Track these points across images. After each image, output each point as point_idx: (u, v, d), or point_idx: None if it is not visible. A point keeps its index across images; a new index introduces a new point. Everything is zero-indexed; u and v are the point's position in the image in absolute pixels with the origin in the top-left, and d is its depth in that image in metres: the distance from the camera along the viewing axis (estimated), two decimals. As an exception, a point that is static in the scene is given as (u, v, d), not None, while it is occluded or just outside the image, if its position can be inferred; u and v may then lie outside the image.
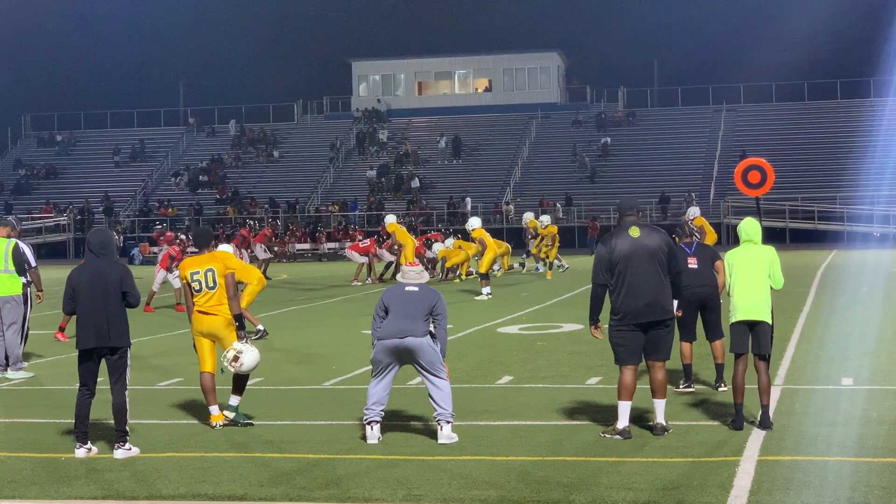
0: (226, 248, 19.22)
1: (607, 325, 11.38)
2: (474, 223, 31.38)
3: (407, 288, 11.49)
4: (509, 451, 10.68)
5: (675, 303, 11.50)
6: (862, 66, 76.67)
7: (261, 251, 39.10)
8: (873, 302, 24.42)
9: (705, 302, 13.58)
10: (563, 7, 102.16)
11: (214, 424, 12.12)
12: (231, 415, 12.20)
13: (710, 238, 26.73)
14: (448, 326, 11.62)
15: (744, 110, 77.32)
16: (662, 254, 11.27)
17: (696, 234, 14.12)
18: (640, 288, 11.11)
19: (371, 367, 11.45)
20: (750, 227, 11.69)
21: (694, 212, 28.51)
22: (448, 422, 11.16)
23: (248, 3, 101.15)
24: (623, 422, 11.06)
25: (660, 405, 11.26)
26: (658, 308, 11.17)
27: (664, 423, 11.17)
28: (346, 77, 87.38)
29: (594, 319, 11.44)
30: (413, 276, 11.67)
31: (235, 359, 12.00)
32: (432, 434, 11.30)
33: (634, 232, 11.29)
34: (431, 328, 11.39)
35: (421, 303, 11.34)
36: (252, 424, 12.21)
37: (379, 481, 9.69)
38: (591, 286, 11.49)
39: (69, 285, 11.25)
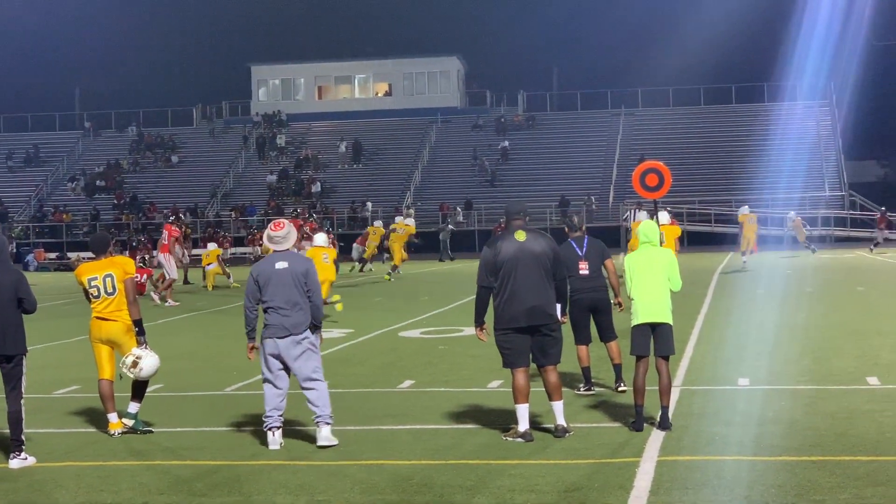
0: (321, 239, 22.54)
1: (492, 328, 11.46)
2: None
3: (277, 265, 11.33)
4: (412, 455, 10.67)
5: (559, 308, 11.58)
6: (756, 72, 77.97)
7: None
8: (769, 303, 24.80)
9: (596, 305, 13.74)
10: (463, 12, 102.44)
11: (113, 432, 11.97)
12: (130, 422, 12.05)
13: (670, 238, 25.84)
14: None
15: (641, 115, 78.19)
16: (547, 259, 11.32)
17: (583, 230, 14.09)
18: (523, 292, 11.15)
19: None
20: (649, 230, 11.80)
21: (664, 217, 27.25)
22: (327, 423, 11.12)
23: (145, 7, 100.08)
24: (523, 424, 11.10)
25: (558, 407, 11.32)
26: (540, 313, 11.21)
27: (564, 425, 11.24)
28: (246, 81, 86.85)
29: (479, 322, 11.46)
30: (279, 240, 11.52)
31: (134, 364, 11.86)
32: (336, 438, 11.24)
33: (520, 236, 11.34)
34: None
35: (295, 279, 11.22)
36: (151, 431, 12.08)
37: (281, 487, 9.63)
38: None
39: (-37, 293, 11.03)
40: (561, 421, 11.25)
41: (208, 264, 37.37)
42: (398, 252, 39.34)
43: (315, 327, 11.42)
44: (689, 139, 72.82)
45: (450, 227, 57.80)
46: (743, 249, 37.74)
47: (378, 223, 44.40)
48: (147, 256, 42.07)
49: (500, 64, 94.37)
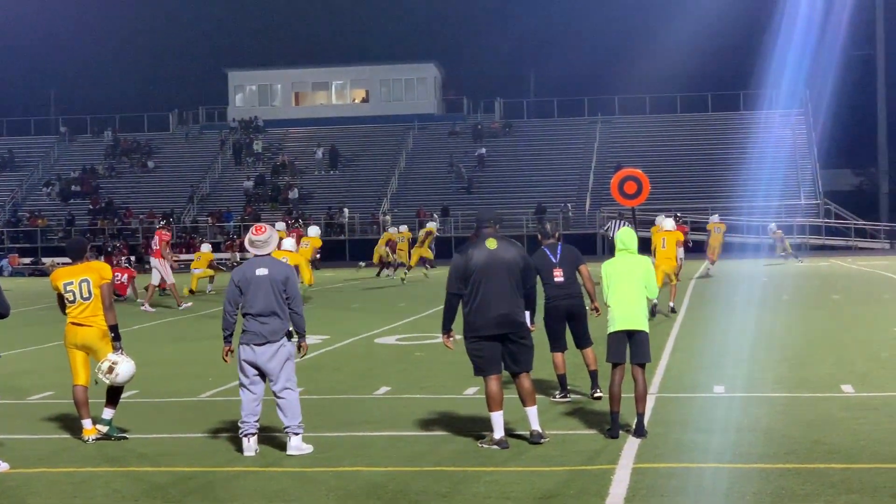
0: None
1: (460, 336, 11.45)
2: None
3: (258, 271, 11.31)
4: (387, 461, 10.66)
5: (528, 315, 11.59)
6: (733, 80, 78.26)
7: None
8: (744, 311, 24.87)
9: (572, 312, 13.74)
10: (441, 19, 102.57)
11: (87, 438, 11.91)
12: (104, 428, 11.99)
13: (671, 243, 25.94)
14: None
15: (618, 122, 78.33)
16: (517, 267, 11.33)
17: (559, 236, 14.16)
18: (493, 300, 11.16)
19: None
20: (626, 237, 11.82)
21: (669, 223, 27.20)
22: (296, 433, 11.10)
23: (122, 12, 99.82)
24: (498, 432, 11.10)
25: (532, 412, 11.31)
26: (509, 321, 11.22)
27: (539, 430, 11.24)
28: (222, 87, 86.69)
29: (446, 329, 11.46)
30: (260, 244, 11.49)
31: (110, 370, 11.81)
32: (311, 445, 11.22)
33: (491, 244, 11.35)
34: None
35: (275, 286, 11.19)
36: (126, 438, 12.03)
37: (256, 494, 9.60)
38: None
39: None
40: (536, 426, 11.25)
41: (196, 268, 37.20)
42: (415, 255, 39.99)
43: (299, 335, 11.41)
44: (665, 147, 72.96)
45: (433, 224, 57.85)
46: (709, 257, 38.10)
47: (403, 228, 44.35)
48: (129, 258, 41.84)
49: (477, 71, 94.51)
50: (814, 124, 73.60)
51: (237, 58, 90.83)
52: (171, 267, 31.30)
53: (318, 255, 33.12)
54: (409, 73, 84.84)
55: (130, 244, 62.15)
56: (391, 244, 41.18)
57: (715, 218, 39.21)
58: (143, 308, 29.81)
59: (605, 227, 40.23)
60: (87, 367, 12.11)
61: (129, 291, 33.54)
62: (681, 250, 27.45)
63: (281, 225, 39.71)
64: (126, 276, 33.61)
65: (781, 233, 47.79)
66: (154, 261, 31.04)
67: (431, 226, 43.64)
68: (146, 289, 31.22)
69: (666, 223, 26.21)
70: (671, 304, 24.68)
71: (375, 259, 42.32)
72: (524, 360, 11.37)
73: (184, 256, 60.94)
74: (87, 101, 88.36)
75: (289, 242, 27.86)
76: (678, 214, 38.52)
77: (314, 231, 33.75)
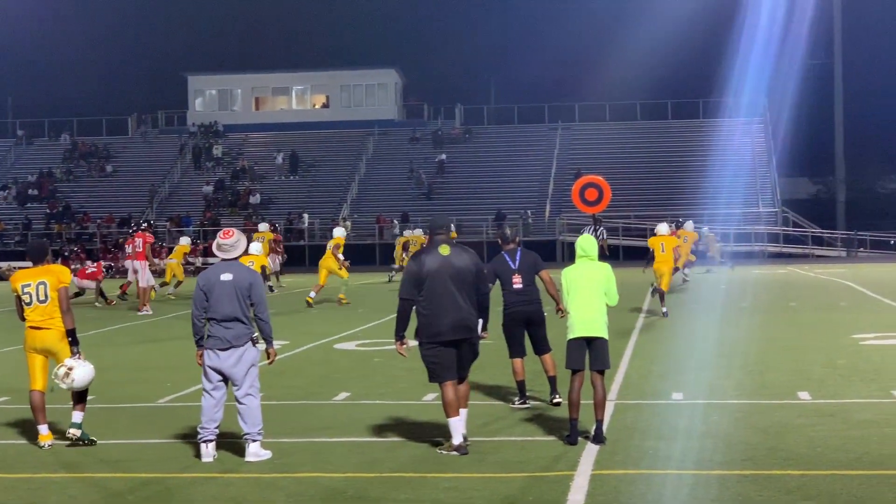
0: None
1: (413, 342, 11.47)
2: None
3: (222, 276, 11.28)
4: (346, 467, 10.64)
5: (480, 322, 11.62)
6: (692, 88, 78.67)
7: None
8: (703, 318, 25.00)
9: (530, 318, 13.77)
10: (401, 25, 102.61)
11: (43, 444, 11.82)
12: (77, 432, 11.87)
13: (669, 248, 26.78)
14: (284, 342, 11.53)
15: (578, 129, 78.60)
16: (470, 274, 11.40)
17: (518, 241, 14.22)
18: (447, 306, 11.21)
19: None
20: (587, 244, 11.83)
21: (664, 228, 28.00)
22: (255, 440, 11.07)
23: (81, 15, 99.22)
24: (457, 437, 11.10)
25: (463, 414, 11.31)
26: (465, 326, 11.28)
27: (465, 434, 11.25)
28: (182, 91, 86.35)
29: (399, 335, 11.47)
30: (227, 248, 11.46)
31: (67, 374, 11.73)
32: (269, 451, 11.18)
33: (444, 250, 11.40)
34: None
35: (239, 292, 11.17)
36: (95, 442, 11.92)
37: (214, 500, 9.56)
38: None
39: None
40: (463, 430, 11.25)
41: (173, 258, 37.16)
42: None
43: (266, 341, 11.38)
44: (625, 154, 73.23)
45: (400, 233, 57.93)
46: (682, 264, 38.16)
47: (418, 231, 44.51)
48: (83, 264, 41.54)
49: (437, 77, 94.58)
50: (773, 133, 74.08)
51: (197, 62, 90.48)
52: (153, 270, 31.15)
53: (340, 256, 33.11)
54: (369, 79, 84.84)
55: (87, 248, 61.69)
56: (406, 246, 41.88)
57: (688, 225, 39.38)
58: (142, 311, 29.83)
59: (588, 231, 40.45)
60: (46, 373, 12.02)
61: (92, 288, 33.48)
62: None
63: (265, 226, 39.66)
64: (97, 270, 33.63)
65: (714, 236, 48.15)
66: (137, 263, 30.79)
67: (416, 234, 43.96)
68: (137, 296, 31.06)
69: (661, 228, 27.30)
70: (664, 309, 25.47)
71: (398, 264, 43.24)
72: (466, 366, 11.49)
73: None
74: (45, 105, 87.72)
75: (255, 246, 27.94)
76: (680, 220, 38.91)
77: (339, 231, 33.96)
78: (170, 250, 60.00)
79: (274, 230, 45.47)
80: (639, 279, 39.61)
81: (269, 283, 34.68)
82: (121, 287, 34.90)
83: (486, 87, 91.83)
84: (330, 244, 32.53)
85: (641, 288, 29.77)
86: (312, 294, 31.13)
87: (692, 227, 38.59)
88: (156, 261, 33.67)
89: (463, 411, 11.29)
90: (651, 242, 27.36)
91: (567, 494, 9.39)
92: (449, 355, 11.25)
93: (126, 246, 32.81)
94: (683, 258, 37.79)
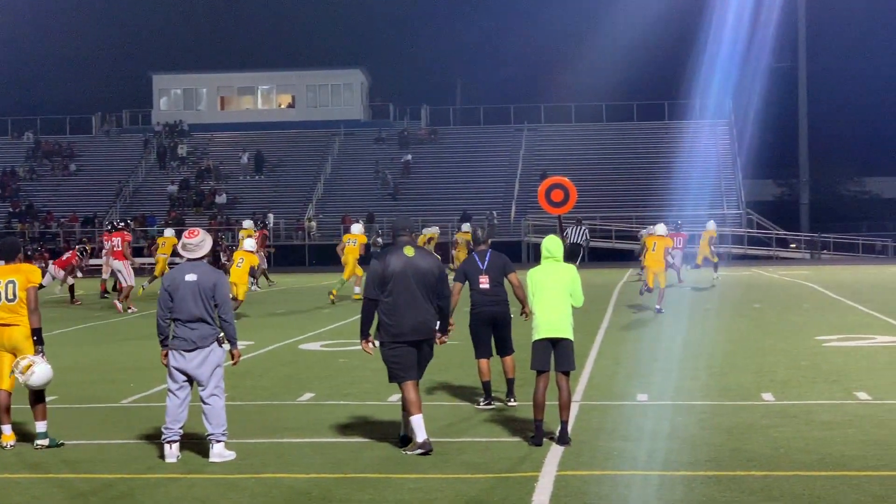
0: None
1: (377, 341, 11.50)
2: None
3: (187, 277, 11.23)
4: (311, 468, 10.62)
5: (438, 324, 11.66)
6: (658, 90, 78.97)
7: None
8: (668, 320, 25.07)
9: (496, 319, 13.81)
10: (367, 25, 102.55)
11: (5, 444, 11.74)
12: (45, 442, 11.75)
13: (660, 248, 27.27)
14: (249, 342, 11.50)
15: (544, 130, 78.71)
16: (433, 276, 11.49)
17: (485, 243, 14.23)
18: (409, 307, 11.30)
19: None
20: (552, 245, 11.83)
21: (661, 229, 28.35)
22: (219, 441, 11.04)
23: (44, 13, 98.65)
24: (421, 435, 11.09)
25: (418, 420, 11.32)
26: (424, 328, 11.39)
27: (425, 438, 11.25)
28: (147, 90, 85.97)
29: (364, 334, 11.56)
30: (192, 248, 11.41)
31: (28, 368, 11.62)
32: (234, 451, 11.14)
33: (409, 251, 11.49)
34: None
35: (203, 292, 11.13)
36: (63, 445, 11.83)
37: (178, 500, 9.52)
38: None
39: None
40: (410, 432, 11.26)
41: (162, 253, 37.07)
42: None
43: (230, 342, 11.34)
44: (591, 155, 73.43)
45: (379, 240, 57.81)
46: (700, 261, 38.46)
47: (434, 229, 44.52)
48: (47, 263, 41.26)
49: (403, 77, 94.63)
50: (738, 135, 74.42)
51: (162, 61, 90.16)
52: (128, 270, 31.02)
53: (361, 252, 33.07)
54: (335, 79, 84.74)
55: (50, 248, 61.31)
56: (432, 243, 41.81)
57: (711, 225, 39.53)
58: (128, 311, 29.81)
59: (565, 233, 40.55)
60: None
61: (56, 278, 33.44)
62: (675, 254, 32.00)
63: (249, 223, 39.50)
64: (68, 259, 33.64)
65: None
66: (116, 263, 30.59)
67: (434, 231, 43.92)
68: (119, 291, 30.94)
69: (658, 229, 27.92)
70: (658, 306, 26.26)
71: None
72: (423, 367, 11.59)
73: (96, 261, 60.33)
74: (8, 103, 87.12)
75: (249, 243, 28.04)
76: (679, 222, 39.20)
77: (357, 228, 34.08)
78: (174, 231, 60.10)
79: (263, 226, 45.41)
80: (603, 280, 39.78)
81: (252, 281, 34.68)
82: (101, 286, 35.07)
83: (451, 87, 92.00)
84: (348, 240, 32.68)
85: (606, 289, 29.86)
86: (357, 290, 31.35)
87: (713, 225, 38.84)
88: (136, 259, 33.57)
89: (418, 417, 11.28)
90: (647, 241, 28.32)
91: (532, 495, 9.40)
92: (410, 355, 11.31)
93: (105, 242, 32.63)
94: (706, 257, 37.96)
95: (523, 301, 13.55)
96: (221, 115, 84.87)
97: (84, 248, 38.36)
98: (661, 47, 78.31)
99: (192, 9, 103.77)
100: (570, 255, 40.05)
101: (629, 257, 49.02)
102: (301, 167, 76.62)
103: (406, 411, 11.28)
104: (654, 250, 26.87)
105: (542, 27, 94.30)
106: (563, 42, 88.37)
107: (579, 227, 40.87)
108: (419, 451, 11.01)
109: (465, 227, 42.01)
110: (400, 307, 11.28)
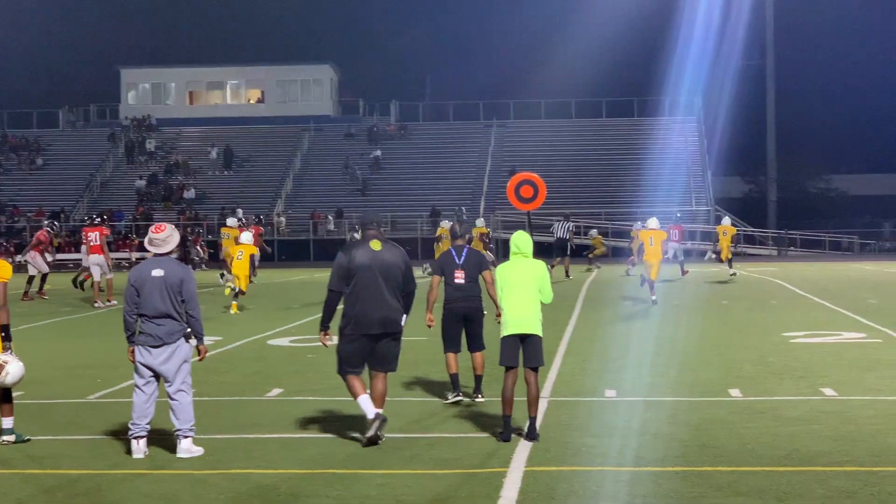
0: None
1: (335, 336, 11.53)
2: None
3: (153, 272, 11.16)
4: (279, 464, 10.59)
5: (404, 318, 11.69)
6: (627, 87, 79.19)
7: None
8: (636, 316, 25.15)
9: (469, 314, 13.84)
10: (337, 20, 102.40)
11: (-27, 442, 11.67)
12: (11, 438, 11.68)
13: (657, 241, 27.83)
14: (217, 338, 11.46)
15: (513, 126, 78.82)
16: (398, 270, 11.57)
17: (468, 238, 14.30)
18: (373, 300, 11.38)
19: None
20: (521, 241, 11.83)
21: (654, 223, 28.57)
22: (186, 437, 11.01)
23: (11, 6, 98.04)
24: (370, 411, 11.17)
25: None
26: (389, 322, 11.46)
27: (381, 434, 11.28)
28: (115, 84, 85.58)
29: (324, 326, 11.66)
30: (159, 243, 11.34)
31: (1, 368, 11.55)
32: (202, 447, 11.11)
33: (376, 245, 11.58)
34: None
35: (170, 288, 11.07)
36: (29, 440, 11.76)
37: (145, 497, 9.48)
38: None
39: None
40: (378, 431, 11.27)
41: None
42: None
43: (197, 338, 11.29)
44: (560, 152, 73.54)
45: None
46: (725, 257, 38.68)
47: (445, 223, 44.27)
48: (12, 259, 41.07)
49: (373, 73, 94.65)
50: (706, 132, 74.68)
51: (130, 55, 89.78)
52: (108, 264, 30.90)
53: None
54: (304, 75, 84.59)
55: (16, 242, 61.02)
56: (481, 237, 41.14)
57: (726, 221, 39.83)
58: (109, 304, 29.87)
59: (551, 228, 40.69)
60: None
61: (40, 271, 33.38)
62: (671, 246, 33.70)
63: (233, 221, 39.34)
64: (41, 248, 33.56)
65: (601, 238, 49.11)
66: (95, 257, 30.50)
67: (445, 225, 43.82)
68: (93, 286, 30.81)
69: (651, 223, 28.18)
70: (653, 297, 26.93)
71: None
72: (393, 362, 11.64)
73: (63, 256, 60.16)
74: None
75: (246, 236, 28.26)
76: (678, 214, 39.67)
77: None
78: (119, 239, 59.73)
79: (258, 222, 45.33)
80: (573, 275, 39.86)
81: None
82: (84, 276, 35.05)
83: (421, 83, 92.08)
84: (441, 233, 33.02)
85: (574, 285, 29.90)
86: None
87: (729, 222, 39.26)
88: (112, 255, 33.39)
89: (379, 412, 11.30)
90: (641, 235, 28.62)
91: (500, 491, 9.41)
92: (365, 349, 11.42)
93: (85, 236, 32.46)
94: (725, 252, 38.27)
95: (496, 301, 13.59)
96: (190, 109, 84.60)
97: (53, 222, 38.33)
98: (630, 45, 78.59)
99: (161, 3, 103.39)
100: (560, 249, 40.20)
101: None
102: (270, 162, 76.51)
103: (353, 396, 11.38)
104: (651, 244, 27.30)
105: (512, 24, 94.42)
106: (532, 39, 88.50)
107: (566, 223, 40.87)
108: (373, 429, 11.04)
109: (479, 221, 41.72)
110: (366, 300, 11.35)
